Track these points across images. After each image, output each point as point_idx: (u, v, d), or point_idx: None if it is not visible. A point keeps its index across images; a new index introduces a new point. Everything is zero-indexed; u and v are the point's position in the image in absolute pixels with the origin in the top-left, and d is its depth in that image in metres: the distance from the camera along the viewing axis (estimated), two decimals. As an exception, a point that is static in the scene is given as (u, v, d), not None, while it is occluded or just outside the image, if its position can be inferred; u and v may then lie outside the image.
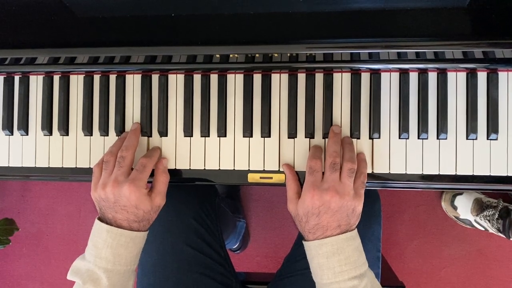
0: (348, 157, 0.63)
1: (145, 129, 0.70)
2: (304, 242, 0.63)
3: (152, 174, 0.67)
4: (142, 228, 0.64)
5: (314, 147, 0.67)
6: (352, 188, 0.61)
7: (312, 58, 0.65)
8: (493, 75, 0.65)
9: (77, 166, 0.72)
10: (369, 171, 0.67)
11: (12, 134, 0.73)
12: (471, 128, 0.65)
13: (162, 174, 0.67)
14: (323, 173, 0.63)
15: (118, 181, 0.62)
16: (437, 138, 0.66)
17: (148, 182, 0.67)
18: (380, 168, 0.67)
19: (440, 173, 0.66)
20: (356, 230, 0.62)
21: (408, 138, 0.67)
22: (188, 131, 0.69)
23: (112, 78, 0.71)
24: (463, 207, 1.25)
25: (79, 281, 0.60)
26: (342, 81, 0.68)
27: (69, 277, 0.62)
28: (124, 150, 0.65)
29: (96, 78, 0.71)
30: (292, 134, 0.68)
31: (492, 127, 0.65)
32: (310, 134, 0.68)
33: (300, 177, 0.67)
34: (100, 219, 0.64)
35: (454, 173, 0.66)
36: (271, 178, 0.68)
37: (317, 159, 0.63)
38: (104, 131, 0.71)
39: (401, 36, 0.61)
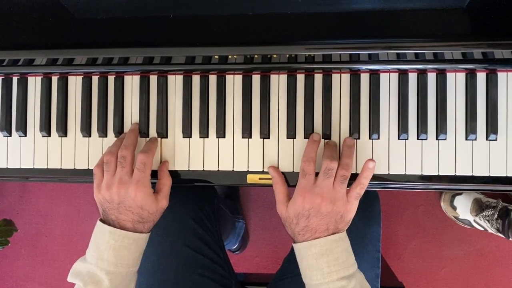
0: (343, 163, 0.63)
1: (143, 130, 0.70)
2: (293, 244, 0.64)
3: (154, 176, 0.67)
4: (145, 230, 0.64)
5: (308, 146, 0.66)
6: (343, 194, 0.61)
7: (311, 59, 0.65)
8: (492, 76, 0.65)
9: (76, 168, 0.72)
10: (369, 172, 0.67)
11: (11, 136, 0.73)
12: (470, 128, 0.65)
13: (167, 178, 0.68)
14: (317, 173, 0.63)
15: (123, 182, 0.62)
16: (437, 139, 0.66)
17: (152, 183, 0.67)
18: (380, 168, 0.67)
19: (440, 174, 0.66)
20: (345, 232, 0.63)
21: (407, 139, 0.67)
22: (187, 132, 0.69)
23: (111, 79, 0.71)
24: (463, 207, 1.25)
25: (80, 283, 0.60)
26: (341, 82, 0.68)
27: (70, 279, 0.62)
28: (124, 149, 0.64)
29: (95, 79, 0.71)
30: (291, 135, 0.68)
31: (491, 128, 0.65)
32: (309, 135, 0.67)
33: (296, 178, 0.67)
34: (102, 221, 0.63)
35: (453, 174, 0.66)
36: (270, 179, 0.68)
37: (310, 162, 0.63)
38: (103, 132, 0.71)
39: (400, 37, 0.61)
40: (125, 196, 0.61)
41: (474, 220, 1.24)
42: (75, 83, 0.72)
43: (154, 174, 0.69)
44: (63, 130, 0.71)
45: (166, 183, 0.67)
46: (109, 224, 0.62)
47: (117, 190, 0.62)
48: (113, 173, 0.64)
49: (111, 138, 0.71)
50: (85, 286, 0.59)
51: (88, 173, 0.70)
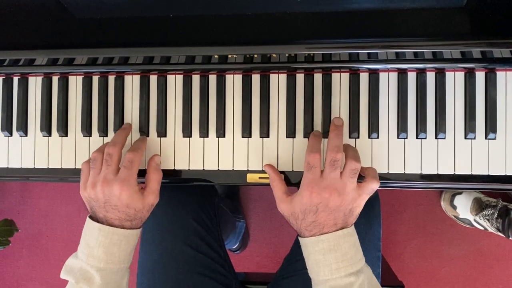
0: (351, 155, 0.61)
1: (143, 130, 0.70)
2: (300, 239, 0.62)
3: (144, 173, 0.67)
4: (134, 226, 0.63)
5: (313, 138, 0.64)
6: (353, 188, 0.59)
7: (311, 58, 0.65)
8: (491, 75, 0.65)
9: (76, 167, 0.72)
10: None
11: (11, 135, 0.73)
12: (469, 127, 0.65)
13: (154, 172, 0.66)
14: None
15: (108, 180, 0.61)
16: (436, 138, 0.66)
17: (141, 182, 0.67)
18: (379, 168, 0.67)
19: (439, 173, 0.66)
20: (353, 226, 0.61)
21: (406, 138, 0.67)
22: (187, 132, 0.69)
23: (111, 79, 0.71)
24: (463, 207, 1.26)
25: (72, 280, 0.60)
26: (340, 81, 0.68)
27: (62, 275, 0.61)
28: (111, 146, 0.63)
29: (95, 79, 0.71)
30: (291, 134, 0.68)
31: (490, 127, 0.65)
32: (309, 134, 0.68)
33: (296, 177, 0.67)
34: (92, 218, 0.63)
35: (452, 173, 0.66)
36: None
37: (315, 153, 0.60)
38: (103, 132, 0.71)
39: (400, 36, 0.61)
40: (110, 195, 0.61)
41: (474, 220, 1.24)
42: (75, 83, 0.72)
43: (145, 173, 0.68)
44: (63, 130, 0.72)
45: (154, 177, 0.65)
46: (98, 221, 0.62)
47: (101, 189, 0.61)
48: (99, 171, 0.63)
49: (111, 137, 0.71)
50: (77, 283, 0.59)
51: (88, 172, 0.71)
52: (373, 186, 0.60)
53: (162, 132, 0.70)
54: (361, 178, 0.63)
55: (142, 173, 0.67)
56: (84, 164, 0.65)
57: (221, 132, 0.69)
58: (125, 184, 0.61)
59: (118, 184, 0.60)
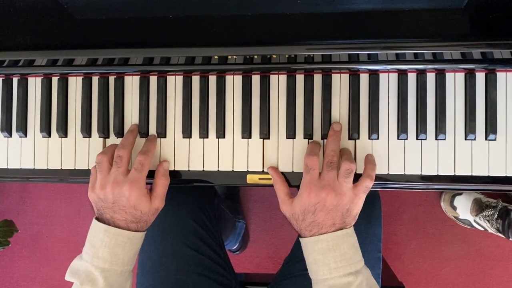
0: (346, 157, 0.63)
1: (143, 131, 0.70)
2: (300, 239, 0.63)
3: (152, 175, 0.67)
4: (139, 229, 0.64)
5: (312, 143, 0.67)
6: (349, 188, 0.61)
7: (311, 59, 0.65)
8: (492, 76, 0.65)
9: (76, 168, 0.72)
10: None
11: (11, 136, 0.73)
12: (469, 128, 0.65)
13: (161, 178, 0.67)
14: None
15: (118, 181, 0.62)
16: (436, 139, 0.66)
17: (148, 183, 0.67)
18: (379, 168, 0.67)
19: (439, 174, 0.66)
20: (352, 227, 0.62)
21: (406, 139, 0.67)
22: (186, 133, 0.69)
23: (111, 79, 0.71)
24: (463, 207, 1.25)
25: (76, 282, 0.61)
26: (340, 82, 0.68)
27: (67, 277, 0.62)
28: (121, 148, 0.65)
29: (95, 79, 0.71)
30: (291, 135, 0.68)
31: (491, 128, 0.65)
32: (308, 135, 0.68)
33: (296, 178, 0.67)
34: (98, 219, 0.64)
35: (453, 174, 0.66)
36: (270, 179, 0.68)
37: (313, 156, 0.62)
38: (103, 133, 0.71)
39: (400, 37, 0.61)
40: (119, 195, 0.61)
41: (474, 220, 1.24)
42: (75, 84, 0.72)
43: (153, 174, 0.69)
44: (63, 131, 0.72)
45: (161, 183, 0.66)
46: (104, 223, 0.62)
47: (111, 189, 0.62)
48: (106, 173, 0.64)
49: (111, 138, 0.71)
50: (81, 285, 0.60)
51: (88, 173, 0.70)
52: (367, 183, 0.62)
53: (162, 133, 0.70)
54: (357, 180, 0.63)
55: (150, 174, 0.67)
56: (93, 168, 0.67)
57: (221, 133, 0.69)
58: (134, 185, 0.62)
59: (128, 185, 0.61)
